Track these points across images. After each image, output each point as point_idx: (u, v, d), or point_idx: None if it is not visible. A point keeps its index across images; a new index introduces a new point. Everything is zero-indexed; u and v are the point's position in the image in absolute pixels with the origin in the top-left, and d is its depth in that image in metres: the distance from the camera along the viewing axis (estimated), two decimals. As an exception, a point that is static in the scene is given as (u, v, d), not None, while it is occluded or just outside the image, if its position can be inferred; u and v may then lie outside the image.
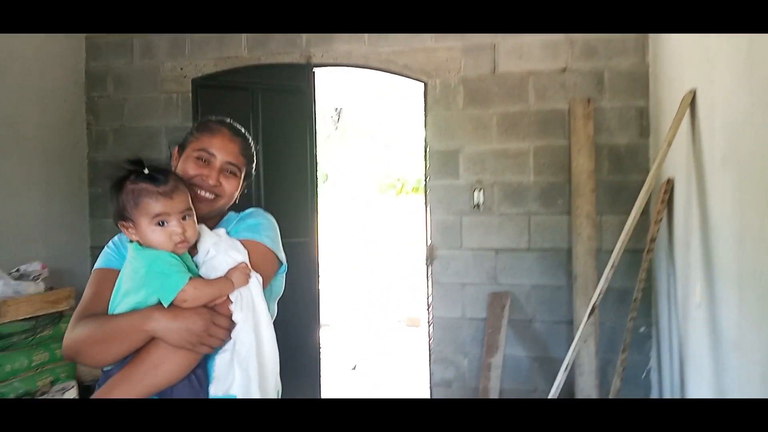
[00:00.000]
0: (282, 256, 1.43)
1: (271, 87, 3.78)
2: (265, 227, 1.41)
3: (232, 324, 1.23)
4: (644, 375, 3.44)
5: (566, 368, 2.61)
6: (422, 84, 3.75)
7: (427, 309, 3.87)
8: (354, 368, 4.92)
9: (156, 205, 1.21)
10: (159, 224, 1.22)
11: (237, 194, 1.45)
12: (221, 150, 1.39)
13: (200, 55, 3.98)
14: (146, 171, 1.24)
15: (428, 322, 3.88)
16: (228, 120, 1.48)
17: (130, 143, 4.12)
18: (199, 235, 1.32)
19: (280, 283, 1.48)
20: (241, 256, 1.29)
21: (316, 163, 3.97)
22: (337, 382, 4.63)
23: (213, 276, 1.26)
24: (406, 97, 7.45)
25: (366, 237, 10.97)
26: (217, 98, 3.75)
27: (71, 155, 4.07)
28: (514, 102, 3.63)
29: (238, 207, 1.52)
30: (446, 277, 3.75)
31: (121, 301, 1.23)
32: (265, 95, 3.77)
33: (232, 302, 1.24)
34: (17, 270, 3.33)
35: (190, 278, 1.20)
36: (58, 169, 3.94)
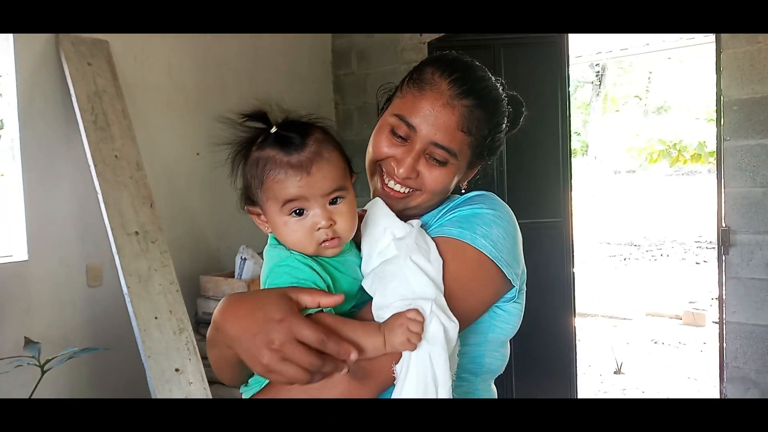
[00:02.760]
0: (512, 272, 0.87)
1: (515, 41, 3.27)
2: (484, 221, 0.86)
3: (325, 347, 0.69)
4: None
5: None
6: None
7: (720, 311, 2.98)
8: (618, 370, 4.17)
9: (287, 185, 0.77)
10: (294, 213, 0.79)
11: (452, 187, 0.94)
12: (427, 122, 0.87)
13: (438, 17, 3.66)
14: (273, 129, 0.79)
15: (720, 327, 2.99)
16: (463, 62, 0.94)
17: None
18: (368, 222, 0.87)
19: (507, 319, 0.91)
20: (429, 266, 0.78)
21: (570, 128, 3.35)
22: (597, 386, 3.96)
23: (383, 293, 0.77)
24: (686, 38, 6.13)
25: (633, 216, 9.69)
26: (454, 61, 3.39)
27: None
28: None
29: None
30: (749, 271, 2.82)
31: None
32: (508, 51, 3.28)
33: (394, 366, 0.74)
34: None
35: (319, 312, 0.73)
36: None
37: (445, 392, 0.74)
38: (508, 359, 0.95)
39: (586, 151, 11.87)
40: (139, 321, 2.22)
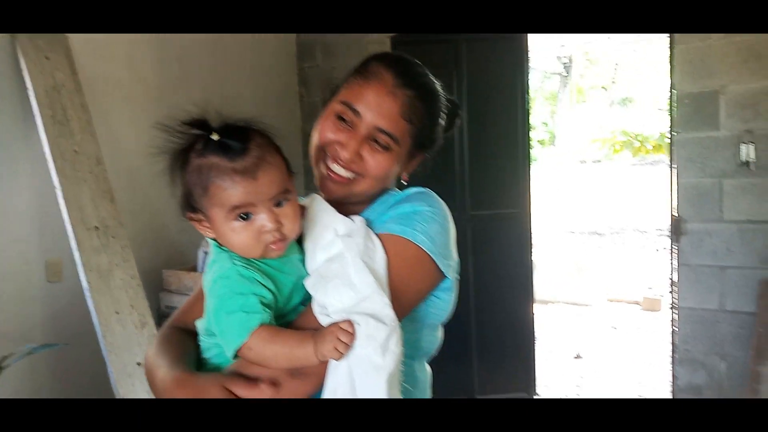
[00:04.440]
0: (447, 265, 0.92)
1: (476, 36, 3.33)
2: (423, 218, 0.91)
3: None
4: None
5: None
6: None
7: (671, 296, 3.11)
8: (577, 356, 4.30)
9: (232, 191, 0.78)
10: (240, 217, 0.80)
11: (393, 175, 0.98)
12: (371, 108, 0.92)
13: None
14: (214, 137, 0.79)
15: (672, 312, 3.12)
16: (406, 59, 0.99)
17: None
18: (309, 218, 0.89)
19: (442, 306, 0.97)
20: (375, 265, 0.82)
21: (529, 121, 3.42)
22: (556, 371, 4.08)
23: (325, 292, 0.81)
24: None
25: (597, 205, 9.89)
26: (416, 55, 3.40)
27: (286, 129, 4.13)
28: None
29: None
30: (699, 258, 2.94)
31: (205, 338, 0.89)
32: (470, 45, 3.34)
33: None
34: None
35: (261, 325, 0.77)
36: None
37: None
38: (441, 341, 1.02)
39: (554, 141, 12.04)
40: (100, 316, 2.22)
